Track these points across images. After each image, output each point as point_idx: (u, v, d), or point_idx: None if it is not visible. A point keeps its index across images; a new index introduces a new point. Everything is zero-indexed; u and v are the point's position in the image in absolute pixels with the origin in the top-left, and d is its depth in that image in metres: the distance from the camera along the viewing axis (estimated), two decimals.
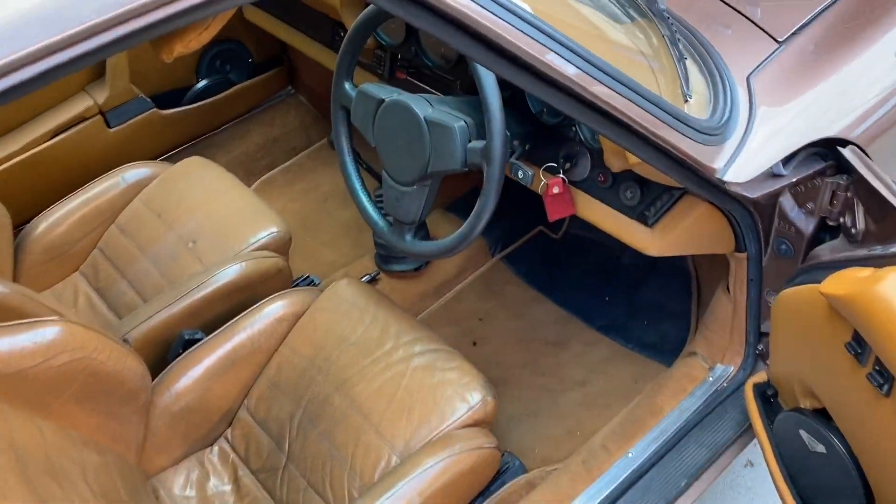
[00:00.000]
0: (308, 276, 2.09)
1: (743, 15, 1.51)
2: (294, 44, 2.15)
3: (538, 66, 1.00)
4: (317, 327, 1.64)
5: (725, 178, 1.25)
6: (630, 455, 1.51)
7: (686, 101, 1.25)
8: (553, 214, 1.48)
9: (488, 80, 1.25)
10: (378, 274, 2.14)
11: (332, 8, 1.84)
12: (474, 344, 2.03)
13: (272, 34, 2.26)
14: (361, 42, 1.46)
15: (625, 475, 1.48)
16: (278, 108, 2.63)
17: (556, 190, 1.45)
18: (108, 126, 2.22)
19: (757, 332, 1.57)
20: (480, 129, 1.33)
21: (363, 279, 2.11)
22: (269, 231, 1.88)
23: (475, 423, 1.45)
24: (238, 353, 1.59)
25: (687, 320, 1.93)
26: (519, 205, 2.01)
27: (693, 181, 1.25)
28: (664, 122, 1.13)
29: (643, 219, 1.41)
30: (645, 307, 2.03)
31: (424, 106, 1.36)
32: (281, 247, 1.90)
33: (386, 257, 2.11)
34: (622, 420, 1.61)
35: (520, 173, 1.47)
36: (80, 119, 2.15)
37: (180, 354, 1.58)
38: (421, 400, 1.47)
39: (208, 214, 1.94)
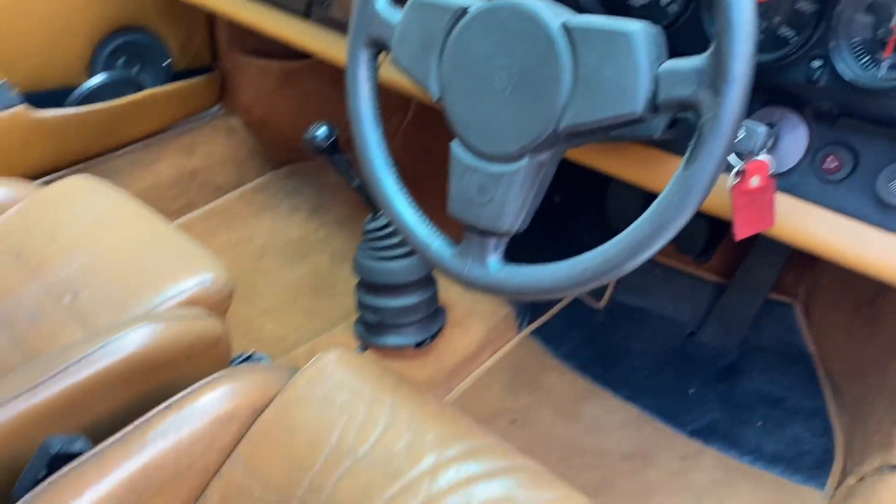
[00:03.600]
0: (252, 354, 1.36)
1: None
2: (240, 17, 1.49)
3: None
4: (293, 432, 0.93)
5: None
6: None
7: None
8: (743, 227, 0.85)
9: None
10: (364, 350, 1.44)
11: None
12: None
13: (203, 11, 1.60)
14: None
15: None
16: (201, 132, 1.93)
17: (754, 182, 0.83)
18: None
19: None
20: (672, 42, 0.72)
21: None
22: (198, 278, 1.17)
23: None
24: (152, 480, 0.86)
25: (824, 420, 1.33)
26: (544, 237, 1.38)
27: None
28: None
29: None
30: (752, 403, 1.40)
31: (557, 9, 0.74)
32: (218, 304, 1.19)
33: (375, 326, 1.41)
34: None
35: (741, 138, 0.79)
36: None
37: (45, 479, 0.83)
38: None
39: (99, 255, 1.22)
